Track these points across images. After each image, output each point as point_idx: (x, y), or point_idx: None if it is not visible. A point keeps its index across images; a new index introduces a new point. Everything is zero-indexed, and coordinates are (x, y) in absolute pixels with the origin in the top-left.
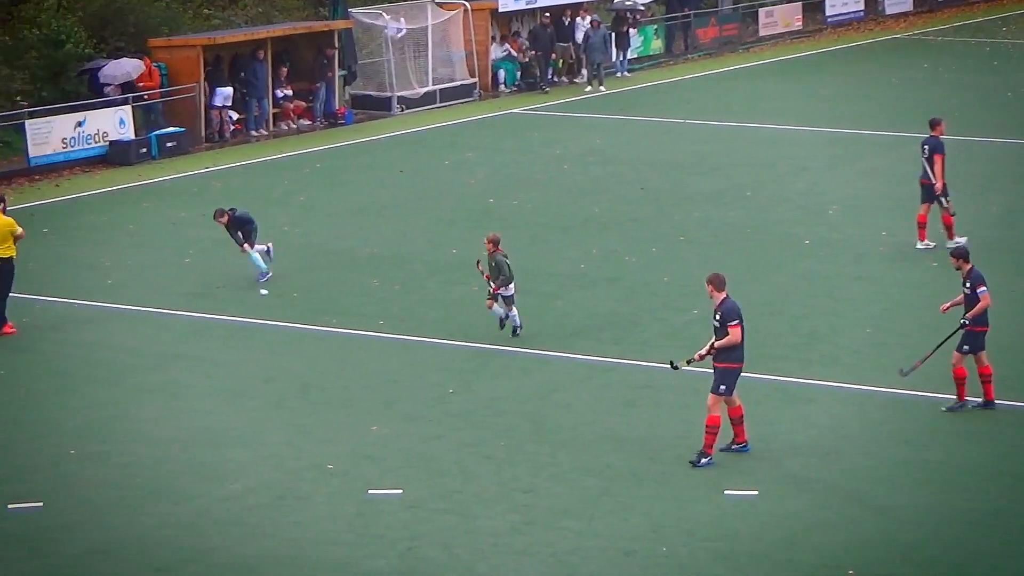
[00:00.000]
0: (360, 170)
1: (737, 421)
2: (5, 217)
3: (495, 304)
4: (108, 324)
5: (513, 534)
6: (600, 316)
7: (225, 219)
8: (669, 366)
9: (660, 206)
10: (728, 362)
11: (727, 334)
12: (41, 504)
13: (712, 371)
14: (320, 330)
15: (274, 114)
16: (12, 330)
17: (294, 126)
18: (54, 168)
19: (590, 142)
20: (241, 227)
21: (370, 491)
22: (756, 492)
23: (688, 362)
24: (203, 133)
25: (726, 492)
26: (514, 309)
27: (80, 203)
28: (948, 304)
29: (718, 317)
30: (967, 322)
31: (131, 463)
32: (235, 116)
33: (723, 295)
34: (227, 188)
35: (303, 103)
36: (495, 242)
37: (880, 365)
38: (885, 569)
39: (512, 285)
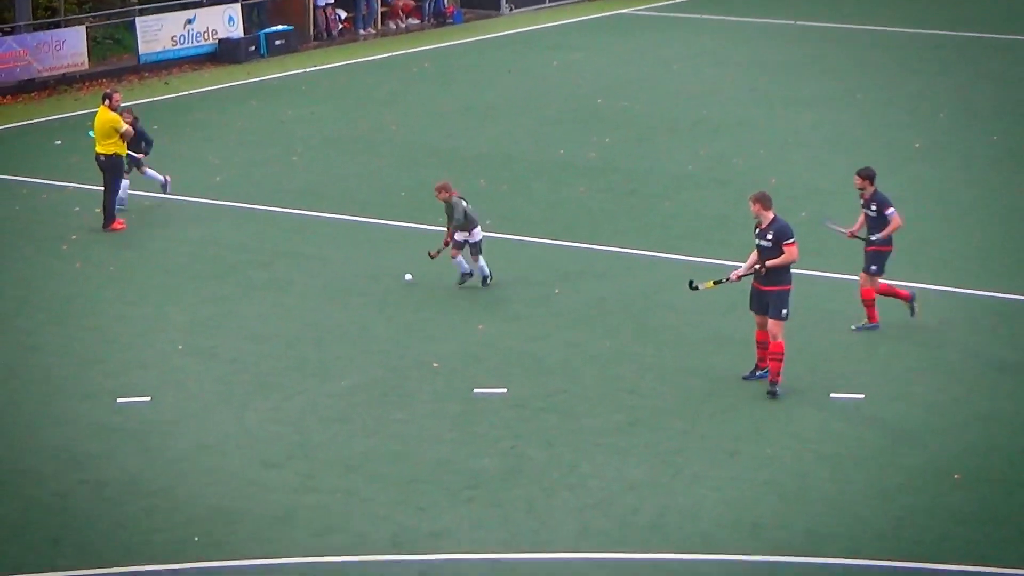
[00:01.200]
0: (468, 70)
1: (764, 345)
2: (111, 114)
3: (459, 254)
4: (216, 221)
5: (617, 434)
6: (707, 218)
7: (131, 120)
8: (688, 287)
9: (770, 108)
10: (783, 284)
11: (781, 253)
12: (149, 399)
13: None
14: (426, 228)
15: (382, 13)
16: (121, 226)
17: (402, 25)
18: (163, 66)
19: (700, 43)
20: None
21: (475, 390)
22: (863, 396)
23: (715, 283)
24: (311, 32)
25: (831, 395)
26: (481, 259)
27: (189, 101)
28: (854, 229)
29: (770, 237)
30: (876, 241)
31: (238, 359)
32: (343, 15)
33: (771, 214)
34: (334, 87)
35: (412, 2)
36: (443, 189)
37: (989, 270)
38: (992, 475)
39: (477, 231)
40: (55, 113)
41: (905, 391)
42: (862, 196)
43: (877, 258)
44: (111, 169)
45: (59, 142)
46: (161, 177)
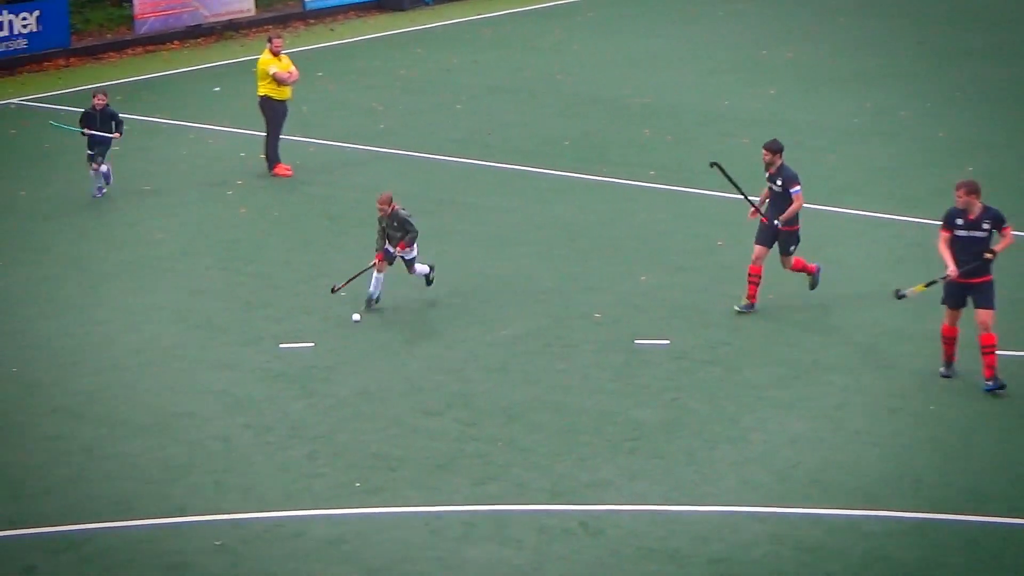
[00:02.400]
0: (632, 19)
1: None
2: (267, 56)
3: (382, 271)
4: (379, 169)
5: (779, 387)
6: (872, 171)
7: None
8: (895, 296)
9: (938, 61)
10: (987, 275)
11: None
12: (312, 344)
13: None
14: (590, 179)
15: None
16: (287, 172)
17: None
18: (329, 12)
19: None
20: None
21: (637, 341)
22: None
23: (927, 285)
24: None
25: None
26: (417, 266)
27: (353, 48)
28: (756, 208)
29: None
30: (780, 224)
31: (400, 307)
32: None
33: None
34: (498, 35)
35: None
36: (388, 202)
37: None
38: None
39: (416, 245)
40: (221, 59)
41: None
42: (768, 170)
43: (793, 238)
44: (271, 113)
45: (217, 88)
46: (101, 182)
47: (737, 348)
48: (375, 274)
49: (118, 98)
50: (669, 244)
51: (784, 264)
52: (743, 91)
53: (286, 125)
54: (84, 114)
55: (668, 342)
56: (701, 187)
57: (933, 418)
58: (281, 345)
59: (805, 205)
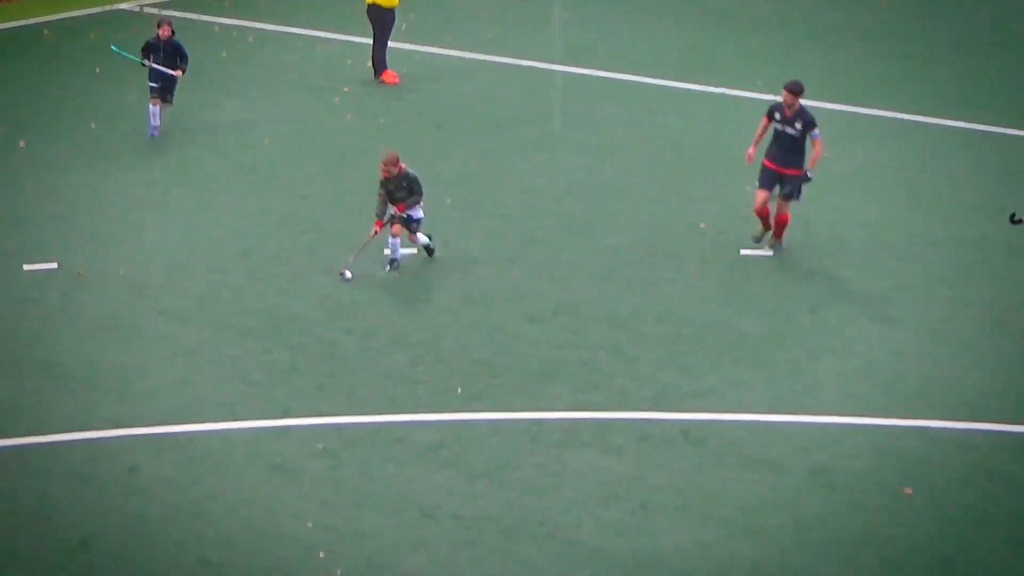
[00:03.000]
0: None
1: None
2: None
3: (396, 235)
4: (486, 76)
5: (884, 300)
6: (984, 84)
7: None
8: (1011, 221)
9: None
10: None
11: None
12: (415, 251)
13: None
14: (697, 89)
15: None
16: (394, 79)
17: None
18: None
19: None
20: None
21: (742, 251)
22: None
23: None
24: None
25: None
26: (419, 235)
27: None
28: (752, 148)
29: (798, 126)
30: (811, 175)
31: (506, 213)
32: None
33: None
34: None
35: None
36: (395, 162)
37: None
38: None
39: (421, 204)
40: None
41: None
42: (784, 112)
43: (799, 183)
44: (379, 21)
45: None
46: (158, 121)
47: (842, 259)
48: (390, 238)
49: (226, 3)
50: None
51: (779, 208)
52: (855, 3)
53: (393, 32)
54: (146, 44)
55: (771, 253)
56: (810, 98)
57: None
58: (385, 251)
59: (916, 118)
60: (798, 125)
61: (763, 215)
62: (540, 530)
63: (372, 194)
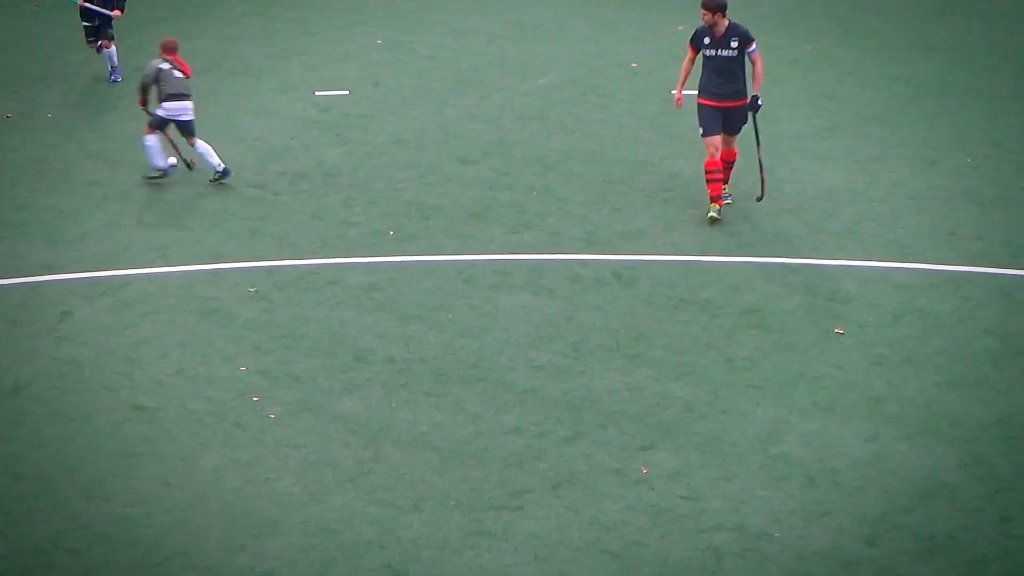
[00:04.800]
0: None
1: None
2: None
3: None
4: None
5: (815, 139)
6: None
7: None
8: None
9: None
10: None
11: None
12: (348, 92)
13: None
14: None
15: None
16: None
17: None
18: None
19: None
20: None
21: (672, 91)
22: None
23: None
24: None
25: None
26: (198, 143)
27: None
28: (680, 87)
29: (734, 44)
30: (759, 98)
31: (437, 55)
32: None
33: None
34: None
35: None
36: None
37: None
38: None
39: (184, 104)
40: None
41: None
42: (713, 34)
43: (743, 111)
44: None
45: None
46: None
47: (775, 99)
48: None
49: None
50: None
51: (727, 144)
52: None
53: None
54: None
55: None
56: None
57: (971, 170)
58: (317, 92)
59: None
60: (734, 44)
61: (718, 166)
62: (473, 372)
63: (303, 34)
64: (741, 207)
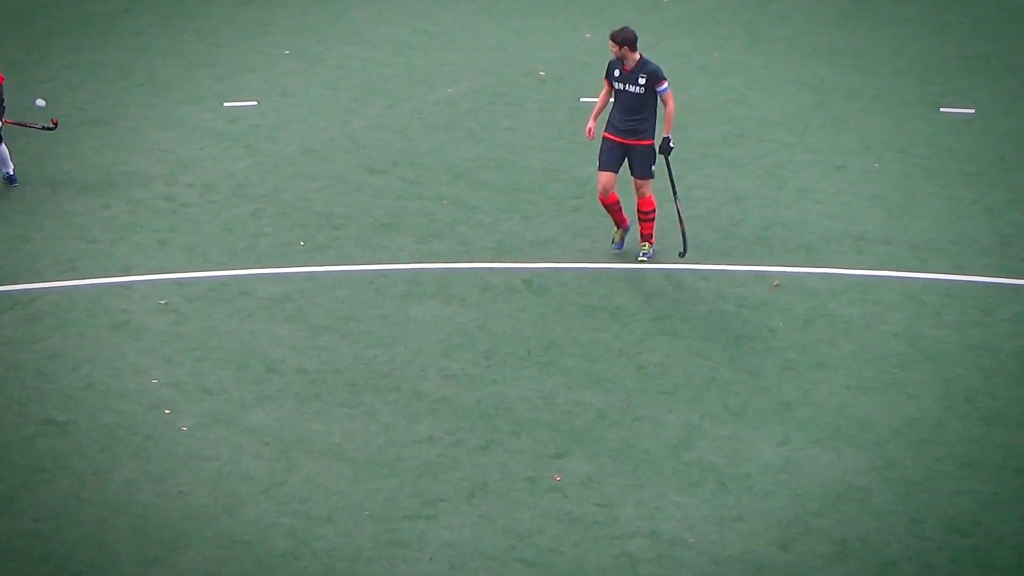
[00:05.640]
0: None
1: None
2: None
3: None
4: None
5: (724, 145)
6: None
7: None
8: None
9: None
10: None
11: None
12: (256, 103)
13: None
14: None
15: None
16: None
17: None
18: None
19: None
20: None
21: (582, 99)
22: (973, 110)
23: None
24: None
25: (941, 109)
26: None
27: None
28: (594, 119)
29: (642, 81)
30: (671, 139)
31: (345, 64)
32: None
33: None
34: None
35: None
36: None
37: None
38: None
39: None
40: None
41: (1018, 107)
42: (624, 67)
43: (651, 153)
44: None
45: None
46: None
47: (683, 105)
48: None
49: None
50: (616, 0)
51: (637, 190)
52: None
53: None
54: None
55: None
56: None
57: (878, 175)
58: (225, 104)
59: None
60: (641, 80)
61: (609, 203)
62: (385, 382)
63: (210, 45)
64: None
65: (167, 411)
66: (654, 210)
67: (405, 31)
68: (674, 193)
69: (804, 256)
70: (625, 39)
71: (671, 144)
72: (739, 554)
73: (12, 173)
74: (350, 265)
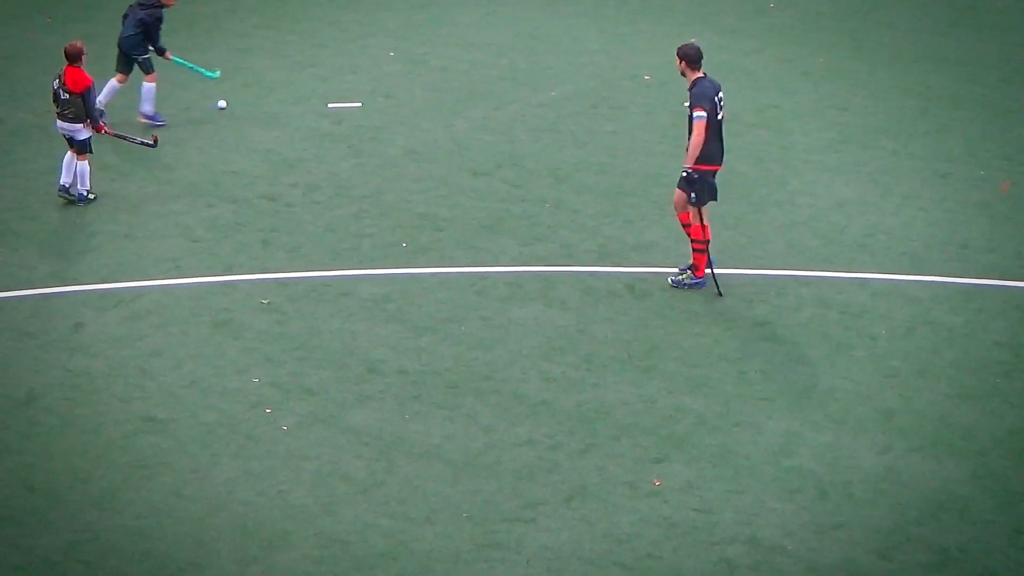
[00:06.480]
0: None
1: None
2: None
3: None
4: None
5: (827, 151)
6: None
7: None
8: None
9: None
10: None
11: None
12: (360, 104)
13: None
14: None
15: None
16: None
17: None
18: None
19: None
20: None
21: (685, 103)
22: None
23: None
24: None
25: None
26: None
27: None
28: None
29: (686, 103)
30: (687, 168)
31: (449, 67)
32: None
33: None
34: None
35: None
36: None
37: None
38: None
39: (66, 125)
40: None
41: None
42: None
43: (692, 181)
44: None
45: None
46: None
47: (786, 111)
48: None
49: None
50: (720, 6)
51: (676, 206)
52: None
53: None
54: None
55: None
56: None
57: (983, 183)
58: (329, 105)
59: None
60: (686, 102)
61: (683, 220)
62: (485, 384)
63: (314, 46)
64: (752, 219)
65: (268, 410)
66: (698, 241)
67: (509, 34)
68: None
69: (907, 264)
70: (682, 54)
71: (688, 173)
72: (838, 562)
73: (85, 192)
74: (452, 267)
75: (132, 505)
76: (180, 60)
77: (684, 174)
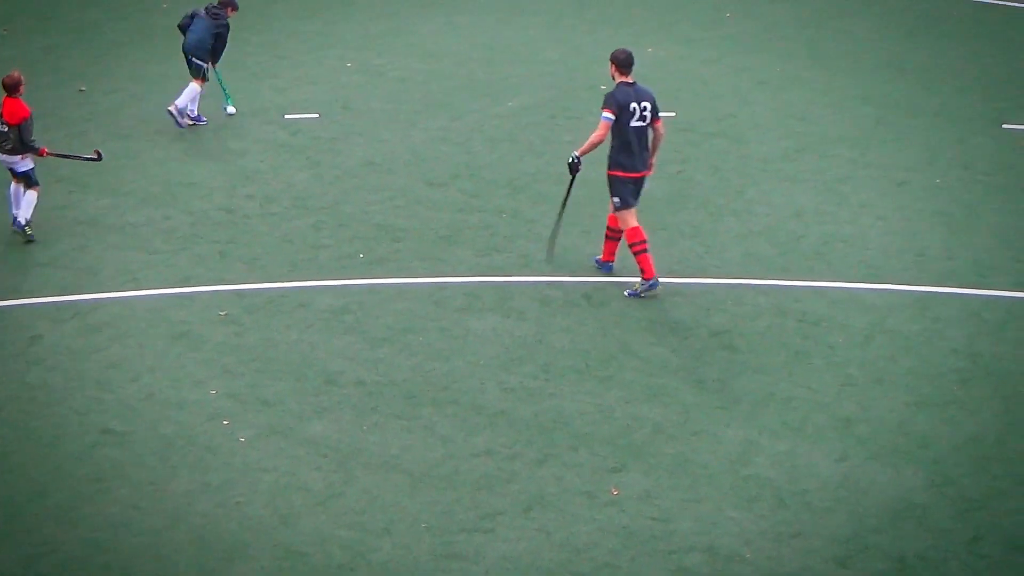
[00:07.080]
0: None
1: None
2: None
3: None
4: None
5: (784, 160)
6: None
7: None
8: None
9: None
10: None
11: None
12: (318, 115)
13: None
14: None
15: None
16: None
17: None
18: None
19: None
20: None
21: None
22: None
23: None
24: None
25: (1004, 126)
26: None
27: None
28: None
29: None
30: (575, 159)
31: (407, 77)
32: None
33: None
34: None
35: None
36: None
37: None
38: None
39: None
40: None
41: None
42: None
43: (610, 184)
44: None
45: None
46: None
47: (743, 120)
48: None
49: None
50: (677, 16)
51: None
52: None
53: None
54: None
55: (674, 114)
56: None
57: (939, 191)
58: (287, 116)
59: None
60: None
61: (611, 225)
62: (443, 395)
63: (271, 58)
64: (710, 227)
65: (225, 422)
66: (636, 243)
67: (467, 44)
68: (560, 211)
69: (865, 272)
70: (612, 58)
71: (576, 163)
72: (796, 571)
73: (23, 222)
74: (409, 278)
75: (90, 518)
76: (220, 76)
77: (572, 160)
